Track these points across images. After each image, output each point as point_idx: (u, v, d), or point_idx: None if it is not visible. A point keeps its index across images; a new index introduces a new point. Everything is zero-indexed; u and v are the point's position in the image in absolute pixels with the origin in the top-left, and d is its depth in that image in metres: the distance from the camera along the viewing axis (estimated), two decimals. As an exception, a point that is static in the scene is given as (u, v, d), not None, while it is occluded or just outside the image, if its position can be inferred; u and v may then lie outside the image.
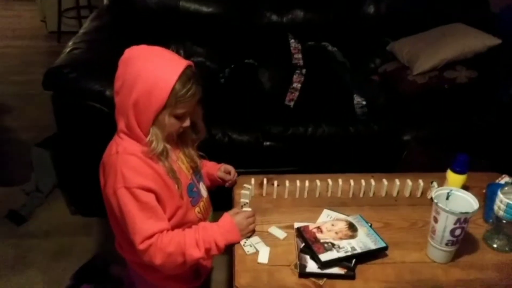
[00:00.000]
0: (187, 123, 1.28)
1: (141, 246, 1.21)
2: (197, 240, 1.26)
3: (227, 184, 1.57)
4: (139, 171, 1.22)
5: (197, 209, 1.40)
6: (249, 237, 1.35)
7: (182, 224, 1.33)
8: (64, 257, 2.20)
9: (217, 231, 1.29)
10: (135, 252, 1.24)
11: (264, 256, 1.28)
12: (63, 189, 2.58)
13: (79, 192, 2.37)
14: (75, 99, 2.02)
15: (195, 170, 1.42)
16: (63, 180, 2.55)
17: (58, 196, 2.58)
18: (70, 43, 2.28)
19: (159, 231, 1.23)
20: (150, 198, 1.22)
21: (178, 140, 1.38)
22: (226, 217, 1.34)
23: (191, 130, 1.38)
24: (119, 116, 1.25)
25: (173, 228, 1.29)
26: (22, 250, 2.25)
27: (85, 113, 2.04)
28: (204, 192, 1.46)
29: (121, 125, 1.25)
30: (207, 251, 1.27)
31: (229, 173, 1.57)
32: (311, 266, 1.25)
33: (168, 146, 1.26)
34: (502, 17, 2.83)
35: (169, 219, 1.29)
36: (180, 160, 1.37)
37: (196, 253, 1.25)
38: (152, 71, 1.18)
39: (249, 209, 1.42)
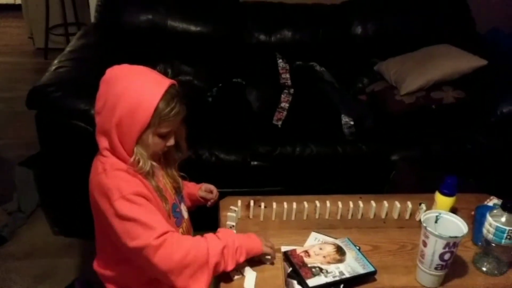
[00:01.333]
0: (171, 142, 1.27)
1: (156, 241, 1.14)
2: (224, 246, 1.21)
3: (209, 203, 1.55)
4: (131, 182, 1.20)
5: (180, 230, 1.38)
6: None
7: None
8: (46, 279, 2.14)
9: (239, 236, 1.27)
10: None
11: (250, 281, 1.25)
12: (46, 209, 2.53)
13: (62, 212, 2.32)
14: (59, 118, 1.99)
15: (177, 190, 1.41)
16: (46, 200, 2.50)
17: (40, 216, 2.52)
18: (56, 61, 2.25)
19: (171, 230, 1.19)
20: (148, 203, 1.20)
21: (162, 159, 1.37)
22: (252, 235, 1.30)
23: (174, 149, 1.36)
24: (100, 136, 1.24)
25: None
26: (2, 271, 2.18)
27: (69, 132, 2.00)
28: (185, 213, 1.44)
29: (103, 144, 1.23)
30: (231, 257, 1.22)
31: (210, 192, 1.56)
32: (299, 292, 1.22)
33: (154, 164, 1.25)
34: (488, 38, 2.87)
35: None
36: (164, 180, 1.36)
37: (218, 250, 1.20)
38: (135, 90, 1.17)
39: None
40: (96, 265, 1.39)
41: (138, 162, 1.21)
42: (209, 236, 1.24)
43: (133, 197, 1.17)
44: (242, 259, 1.24)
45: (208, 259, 1.18)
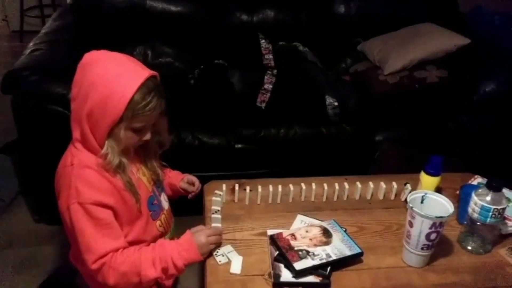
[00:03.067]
0: (147, 136, 1.21)
1: (94, 266, 1.15)
2: (153, 259, 1.19)
3: (189, 196, 1.51)
4: (95, 186, 1.14)
5: (158, 222, 1.33)
6: (219, 246, 1.29)
7: (143, 240, 1.27)
8: (28, 268, 2.10)
9: (175, 249, 1.21)
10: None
11: (236, 266, 1.24)
12: (26, 197, 2.47)
13: (43, 200, 2.27)
14: (36, 103, 1.93)
15: (157, 182, 1.36)
16: (26, 187, 2.44)
17: (21, 204, 2.47)
18: (31, 44, 2.18)
19: (113, 250, 1.16)
20: (105, 214, 1.15)
21: (140, 151, 1.31)
22: (187, 235, 1.25)
23: (155, 142, 1.31)
24: (74, 124, 1.18)
25: (132, 244, 1.23)
26: (-18, 262, 2.14)
27: (46, 117, 1.94)
28: (165, 204, 1.39)
29: (76, 134, 1.18)
30: (164, 270, 1.20)
31: (192, 184, 1.51)
32: (286, 275, 1.21)
33: (124, 160, 1.18)
34: (471, 17, 2.86)
35: (127, 235, 1.23)
36: (141, 172, 1.30)
37: (151, 273, 1.18)
38: (109, 80, 1.10)
39: (218, 225, 1.34)
40: (71, 256, 1.35)
41: (107, 155, 1.14)
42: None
43: (89, 207, 1.12)
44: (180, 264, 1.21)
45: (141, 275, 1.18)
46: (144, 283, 1.19)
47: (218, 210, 1.42)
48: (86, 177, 1.14)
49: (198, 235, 1.24)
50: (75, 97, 1.14)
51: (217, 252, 1.27)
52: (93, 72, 1.11)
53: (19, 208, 2.46)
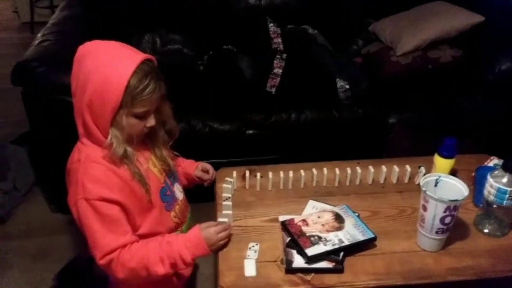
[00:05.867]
0: (151, 122, 1.19)
1: (102, 262, 1.15)
2: (161, 256, 1.18)
3: (205, 183, 1.50)
4: (102, 181, 1.14)
5: (172, 213, 1.33)
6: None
7: (158, 232, 1.26)
8: (46, 257, 2.14)
9: (183, 245, 1.20)
10: None
11: (251, 269, 1.20)
12: (42, 187, 2.50)
13: (58, 189, 2.27)
14: (45, 94, 1.94)
15: (168, 172, 1.34)
16: (42, 178, 2.47)
17: (37, 194, 2.51)
18: (39, 35, 2.18)
19: (121, 246, 1.16)
20: (112, 210, 1.15)
21: (149, 141, 1.30)
22: (195, 230, 1.24)
23: (162, 130, 1.30)
24: (78, 119, 1.17)
25: (148, 236, 1.23)
26: (1, 251, 2.17)
27: (57, 108, 1.94)
28: (179, 194, 1.39)
29: (80, 128, 1.17)
30: (173, 266, 1.19)
31: (207, 172, 1.50)
32: (298, 261, 1.20)
33: (129, 149, 1.17)
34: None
35: (141, 227, 1.23)
36: (151, 163, 1.29)
37: (160, 270, 1.18)
38: (104, 68, 1.09)
39: (229, 212, 1.33)
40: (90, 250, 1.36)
41: (112, 145, 1.13)
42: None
43: (95, 203, 1.12)
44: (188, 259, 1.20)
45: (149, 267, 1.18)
46: (152, 278, 1.20)
47: (229, 197, 1.41)
48: (93, 173, 1.14)
49: (206, 232, 1.22)
50: (75, 92, 1.14)
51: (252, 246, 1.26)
52: (88, 64, 1.10)
53: (35, 198, 2.49)
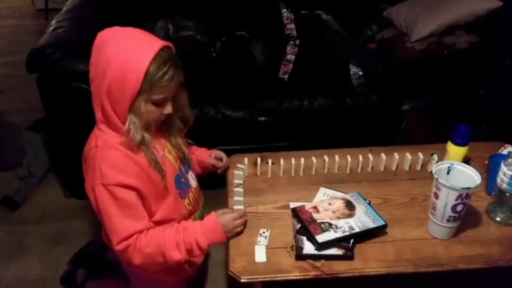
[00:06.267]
0: (168, 109, 1.20)
1: (119, 247, 1.16)
2: (177, 242, 1.20)
3: (219, 171, 1.51)
4: (119, 167, 1.15)
5: (186, 201, 1.34)
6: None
7: (172, 218, 1.28)
8: (60, 241, 2.18)
9: (199, 231, 1.22)
10: None
11: (261, 254, 1.22)
12: (57, 173, 2.53)
13: (73, 175, 2.31)
14: (60, 81, 1.95)
15: (183, 160, 1.35)
16: (56, 163, 2.50)
17: (51, 180, 2.54)
18: (53, 21, 2.19)
19: (138, 232, 1.17)
20: (129, 195, 1.16)
21: (164, 128, 1.30)
22: (212, 216, 1.25)
23: (178, 118, 1.30)
24: (96, 105, 1.18)
25: (162, 223, 1.24)
26: (17, 236, 2.22)
27: (71, 95, 1.96)
28: (193, 182, 1.39)
29: (98, 115, 1.18)
30: (189, 252, 1.21)
31: (220, 159, 1.50)
32: (308, 248, 1.21)
33: (147, 136, 1.18)
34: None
35: (156, 213, 1.24)
36: (166, 150, 1.30)
37: (176, 255, 1.20)
38: (124, 55, 1.10)
39: (241, 207, 1.34)
40: (103, 234, 1.36)
41: (129, 131, 1.14)
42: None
43: (113, 188, 1.13)
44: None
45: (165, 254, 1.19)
46: (169, 264, 1.21)
47: (240, 184, 1.42)
48: (111, 158, 1.15)
49: (223, 218, 1.24)
50: (93, 78, 1.15)
51: (263, 232, 1.28)
52: (107, 50, 1.11)
53: (50, 183, 2.53)
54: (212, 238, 1.22)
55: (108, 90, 1.11)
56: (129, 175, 1.16)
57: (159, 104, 1.17)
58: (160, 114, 1.20)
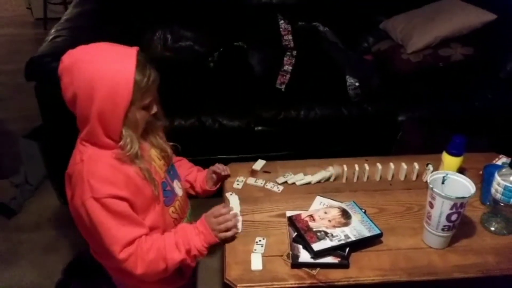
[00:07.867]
0: (154, 109, 1.20)
1: (121, 255, 1.13)
2: (176, 243, 1.20)
3: (223, 173, 1.47)
4: (109, 179, 1.12)
5: (171, 209, 1.32)
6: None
7: (157, 226, 1.25)
8: (56, 250, 2.17)
9: (194, 232, 1.23)
10: (110, 257, 1.16)
11: (257, 262, 1.21)
12: (53, 180, 2.53)
13: (69, 183, 2.32)
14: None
15: (166, 159, 1.33)
16: (53, 171, 2.50)
17: (48, 188, 2.54)
18: (53, 30, 2.21)
19: (138, 237, 1.16)
20: (122, 206, 1.13)
21: (144, 132, 1.26)
22: (201, 218, 1.27)
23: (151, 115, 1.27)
24: (81, 127, 1.16)
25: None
26: (13, 243, 2.21)
27: (69, 103, 1.97)
28: (179, 191, 1.37)
29: (84, 135, 1.15)
30: (188, 252, 1.21)
31: (214, 172, 1.46)
32: (304, 256, 1.21)
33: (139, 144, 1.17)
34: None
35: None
36: (152, 157, 1.28)
37: (177, 256, 1.20)
38: (107, 70, 1.07)
39: (236, 200, 1.36)
40: (92, 252, 1.34)
41: (126, 146, 1.12)
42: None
43: (105, 201, 1.10)
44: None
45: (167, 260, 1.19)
46: (170, 268, 1.20)
47: (233, 193, 1.43)
48: (99, 171, 1.12)
49: (208, 218, 1.26)
50: (72, 103, 1.12)
51: (259, 241, 1.28)
52: (85, 70, 1.08)
53: (46, 191, 2.53)
54: (205, 239, 1.23)
55: (100, 112, 1.09)
56: (119, 187, 1.13)
57: (148, 107, 1.17)
58: (149, 116, 1.20)
